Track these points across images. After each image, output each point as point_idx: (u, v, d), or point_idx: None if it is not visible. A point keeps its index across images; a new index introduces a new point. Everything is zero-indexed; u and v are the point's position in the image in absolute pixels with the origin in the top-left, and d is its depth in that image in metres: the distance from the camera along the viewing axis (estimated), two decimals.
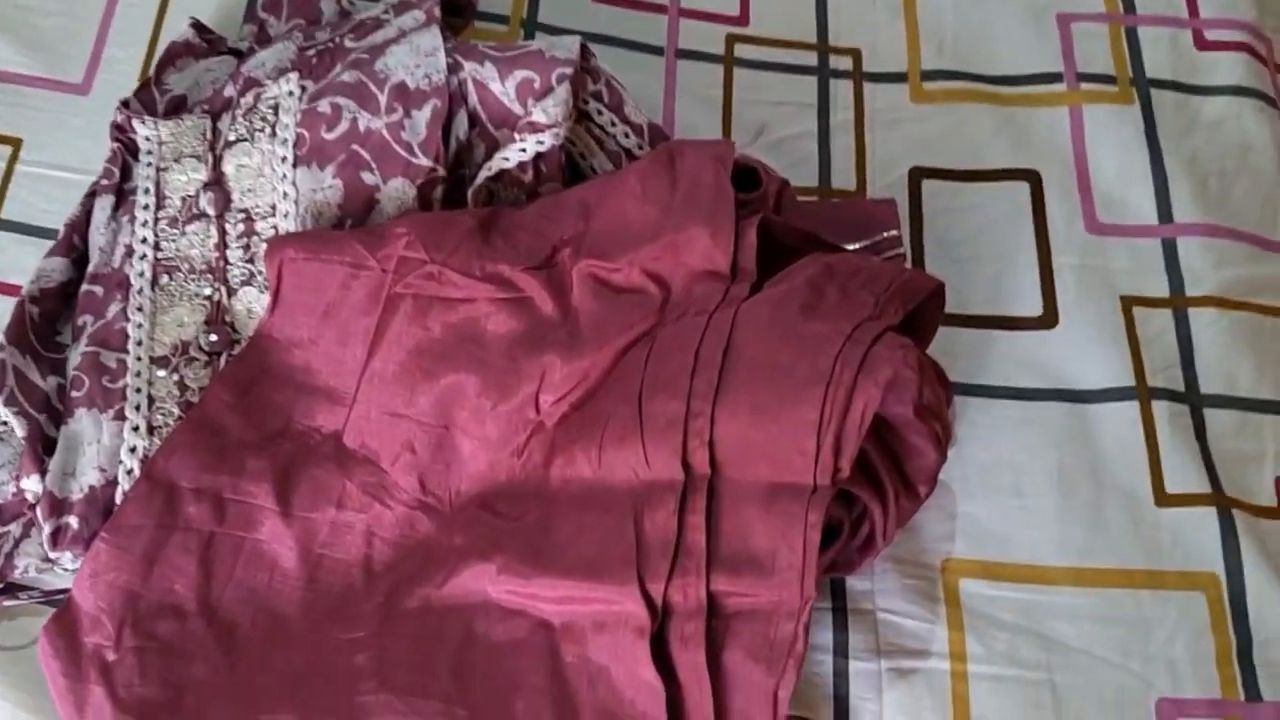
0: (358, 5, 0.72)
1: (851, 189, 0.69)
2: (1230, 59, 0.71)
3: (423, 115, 0.59)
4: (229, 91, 0.64)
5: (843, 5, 0.75)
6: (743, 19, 0.74)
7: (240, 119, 0.62)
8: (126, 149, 0.64)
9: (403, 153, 0.60)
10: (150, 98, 0.67)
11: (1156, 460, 0.59)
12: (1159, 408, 0.60)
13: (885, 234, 0.62)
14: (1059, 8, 0.73)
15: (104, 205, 0.63)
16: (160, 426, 0.57)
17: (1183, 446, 0.59)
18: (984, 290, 0.65)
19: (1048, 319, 0.64)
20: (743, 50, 0.73)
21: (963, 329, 0.63)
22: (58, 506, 0.54)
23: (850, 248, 0.58)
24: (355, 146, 0.60)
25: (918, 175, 0.68)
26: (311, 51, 0.65)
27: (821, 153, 0.70)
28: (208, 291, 0.60)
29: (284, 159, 0.61)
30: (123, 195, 0.63)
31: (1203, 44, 0.72)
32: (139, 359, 0.58)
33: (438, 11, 0.62)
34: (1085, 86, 0.71)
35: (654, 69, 0.72)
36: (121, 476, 0.56)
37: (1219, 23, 0.72)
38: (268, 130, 0.61)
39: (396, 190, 0.60)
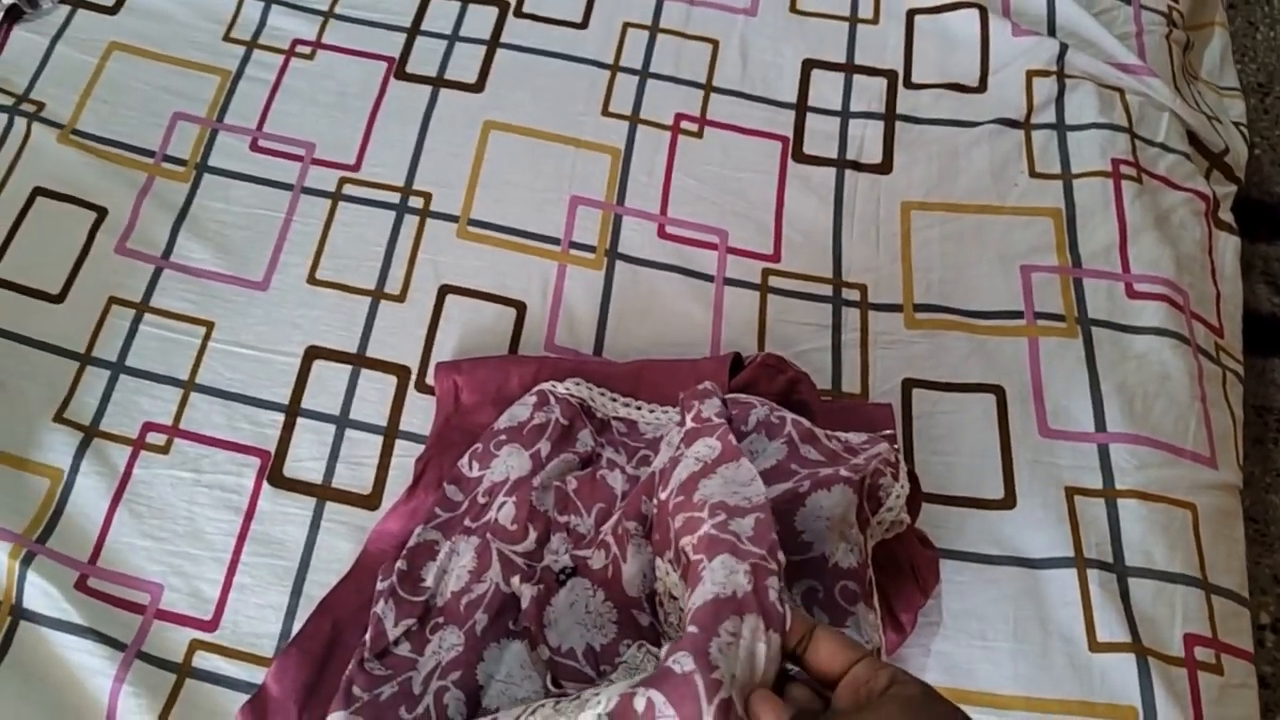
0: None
1: (857, 393, 0.84)
2: (1154, 306, 0.86)
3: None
4: None
5: (854, 250, 0.91)
6: (775, 257, 0.91)
7: None
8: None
9: None
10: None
11: (1090, 616, 0.73)
12: (1092, 575, 0.75)
13: (883, 432, 0.79)
14: (1022, 260, 0.89)
15: None
16: None
17: (1110, 606, 0.73)
18: (959, 477, 0.80)
19: (1008, 502, 0.79)
20: (775, 281, 0.90)
21: (944, 506, 0.79)
22: None
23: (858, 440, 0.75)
24: None
25: (909, 385, 0.84)
26: None
27: (834, 364, 0.86)
28: None
29: None
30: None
31: (1132, 294, 0.87)
32: None
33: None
34: (1040, 323, 0.86)
35: (706, 292, 0.89)
36: None
37: (1145, 278, 0.87)
38: None
39: None
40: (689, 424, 0.69)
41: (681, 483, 0.64)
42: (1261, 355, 1.13)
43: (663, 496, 0.66)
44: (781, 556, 0.55)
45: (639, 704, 0.49)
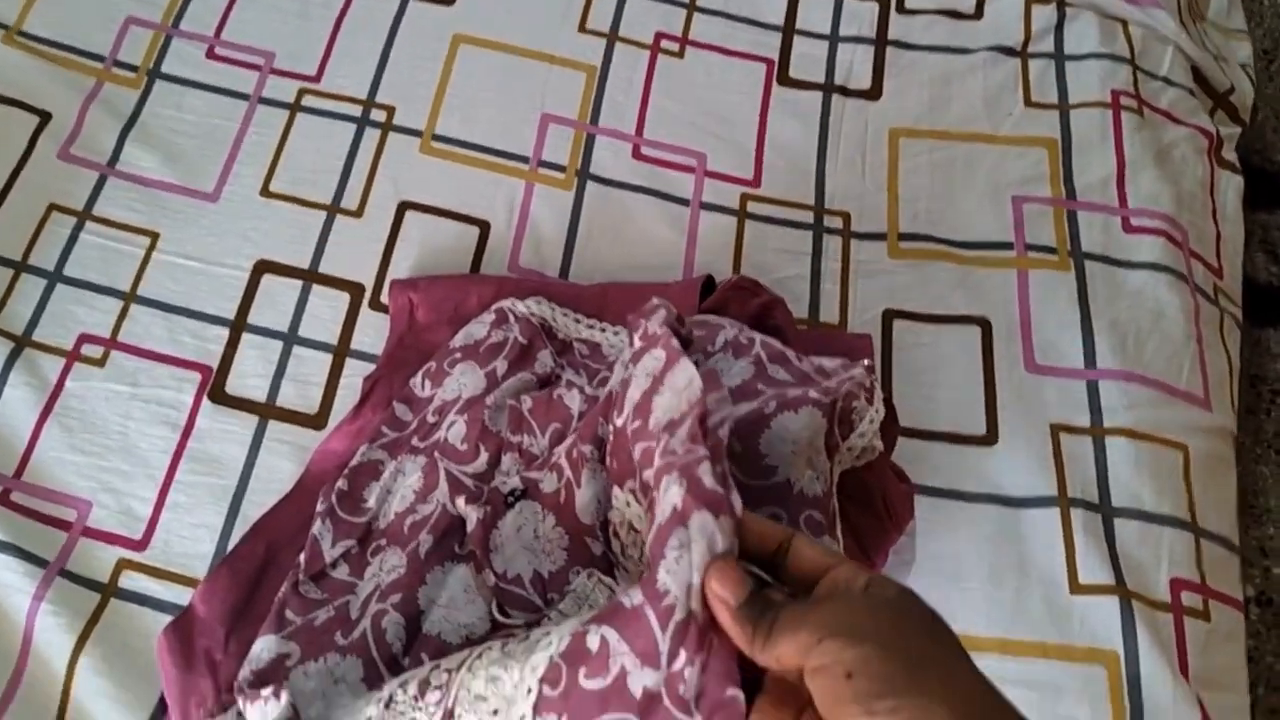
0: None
1: (835, 323, 0.80)
2: (1150, 241, 0.82)
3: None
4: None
5: (837, 177, 0.87)
6: (755, 182, 0.87)
7: None
8: None
9: None
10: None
11: (1072, 556, 0.70)
12: (1076, 515, 0.71)
13: (861, 361, 0.75)
14: (1014, 190, 0.85)
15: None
16: None
17: (1094, 547, 0.69)
18: (940, 411, 0.76)
19: (990, 438, 0.75)
20: (754, 207, 0.85)
21: (922, 441, 0.75)
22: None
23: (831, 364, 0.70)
24: None
25: (890, 316, 0.80)
26: None
27: (812, 293, 0.81)
28: None
29: None
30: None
31: (1129, 228, 0.83)
32: None
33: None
34: (1031, 254, 0.82)
35: (681, 217, 0.85)
36: None
37: (1143, 213, 0.83)
38: None
39: None
40: (637, 343, 0.65)
41: (635, 405, 0.59)
42: (1258, 325, 1.09)
43: (619, 422, 0.61)
44: (723, 432, 0.51)
45: (592, 642, 0.45)
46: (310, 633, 0.64)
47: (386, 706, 0.53)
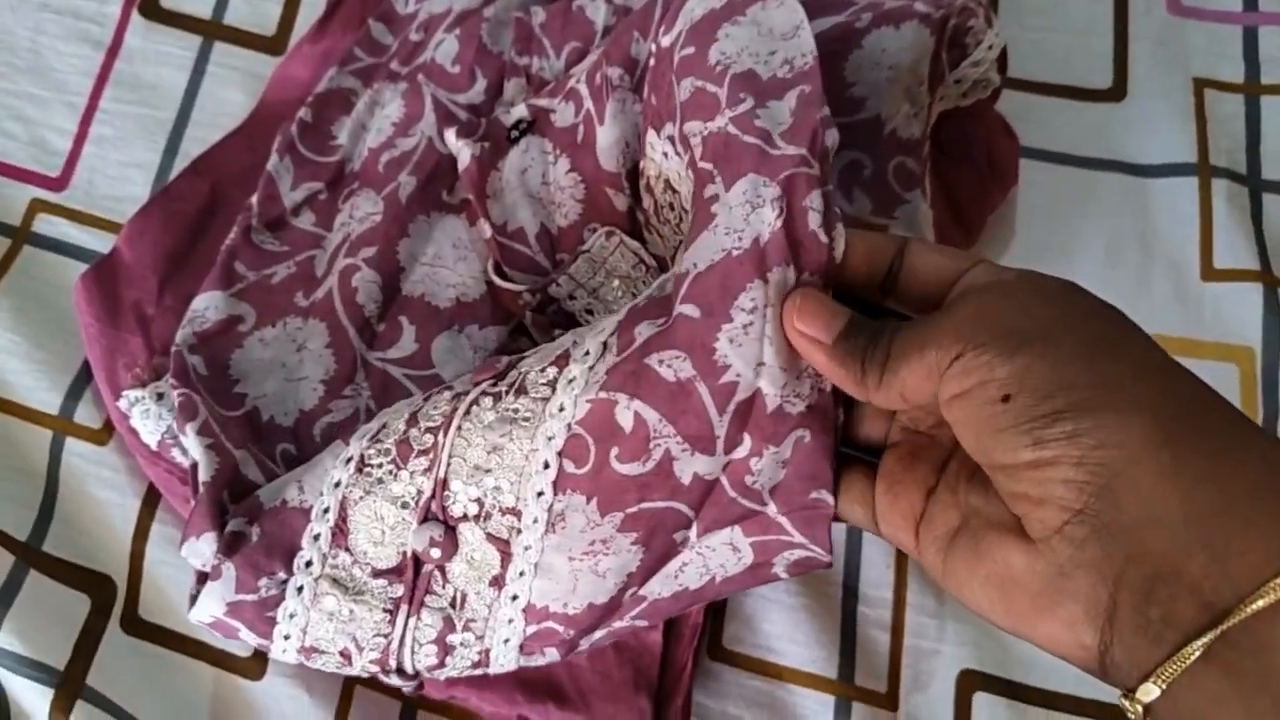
0: None
1: None
2: None
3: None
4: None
5: None
6: None
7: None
8: None
9: None
10: None
11: (1208, 235, 0.56)
12: (1218, 186, 0.57)
13: None
14: None
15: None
16: None
17: (1237, 225, 0.56)
18: (1056, 59, 0.60)
19: (1116, 93, 0.60)
20: None
21: (1032, 95, 0.60)
22: None
23: None
24: None
25: None
26: None
27: None
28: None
29: None
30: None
31: None
32: None
33: None
34: None
35: None
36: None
37: None
38: None
39: None
40: None
41: (694, 24, 0.44)
42: None
43: (665, 42, 0.46)
44: (831, 139, 0.37)
45: (623, 418, 0.36)
46: (266, 292, 0.51)
47: (359, 470, 0.42)
